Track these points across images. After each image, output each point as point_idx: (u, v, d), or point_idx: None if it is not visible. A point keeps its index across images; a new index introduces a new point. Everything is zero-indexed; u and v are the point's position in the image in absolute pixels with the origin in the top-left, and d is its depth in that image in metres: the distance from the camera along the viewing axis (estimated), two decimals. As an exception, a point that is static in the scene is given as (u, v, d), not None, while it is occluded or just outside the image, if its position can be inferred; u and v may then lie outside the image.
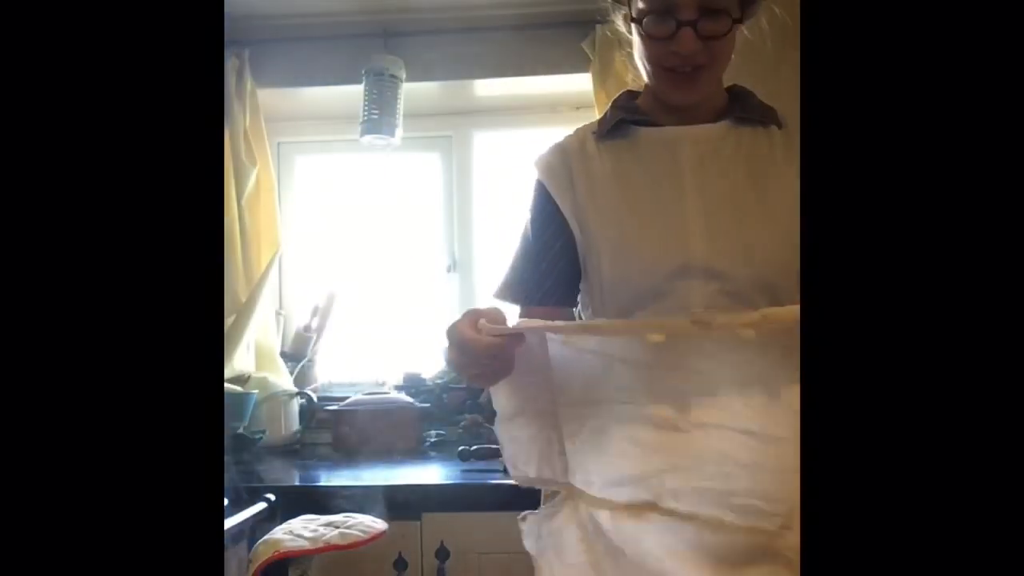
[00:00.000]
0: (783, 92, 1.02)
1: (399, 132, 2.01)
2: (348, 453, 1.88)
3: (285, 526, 1.25)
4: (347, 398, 1.99)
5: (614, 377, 0.84)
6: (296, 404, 2.02)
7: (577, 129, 1.05)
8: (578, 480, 0.86)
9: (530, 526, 0.91)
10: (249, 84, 2.05)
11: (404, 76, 2.01)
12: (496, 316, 0.81)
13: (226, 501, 1.25)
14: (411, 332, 2.23)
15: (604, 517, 0.82)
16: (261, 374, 2.00)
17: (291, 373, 2.07)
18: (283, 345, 2.15)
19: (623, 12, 0.99)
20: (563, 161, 1.00)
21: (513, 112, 2.24)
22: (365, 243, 2.30)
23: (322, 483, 1.59)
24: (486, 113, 2.26)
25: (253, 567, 1.18)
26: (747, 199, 0.93)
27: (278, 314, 2.18)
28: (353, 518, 1.29)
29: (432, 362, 2.11)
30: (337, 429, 1.94)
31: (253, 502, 1.36)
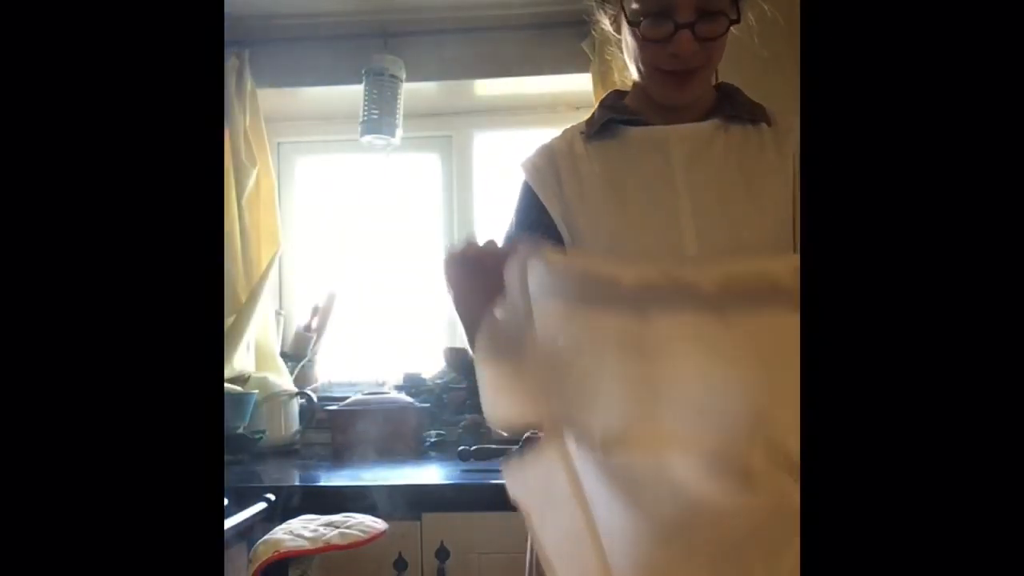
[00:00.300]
0: (773, 89, 1.02)
1: (399, 132, 2.01)
2: (348, 453, 1.88)
3: (285, 526, 1.25)
4: (347, 398, 1.99)
5: (598, 319, 0.82)
6: (296, 404, 2.02)
7: (565, 130, 1.04)
8: (563, 422, 0.84)
9: (514, 471, 0.87)
10: (249, 84, 2.05)
11: (404, 76, 2.01)
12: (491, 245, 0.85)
13: (226, 501, 1.25)
14: (411, 332, 2.23)
15: (593, 457, 0.81)
16: (261, 374, 2.00)
17: (291, 373, 2.07)
18: (283, 345, 2.15)
19: (610, 13, 0.98)
20: (550, 162, 1.00)
21: (513, 112, 2.24)
22: (365, 243, 2.30)
23: (322, 483, 1.59)
24: (486, 113, 2.26)
25: (253, 567, 1.18)
26: (738, 198, 0.92)
27: (278, 314, 2.18)
28: (353, 518, 1.29)
29: (432, 362, 2.11)
30: (337, 429, 1.94)
31: (253, 502, 1.36)
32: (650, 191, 0.94)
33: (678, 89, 0.95)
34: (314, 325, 2.15)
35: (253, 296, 2.01)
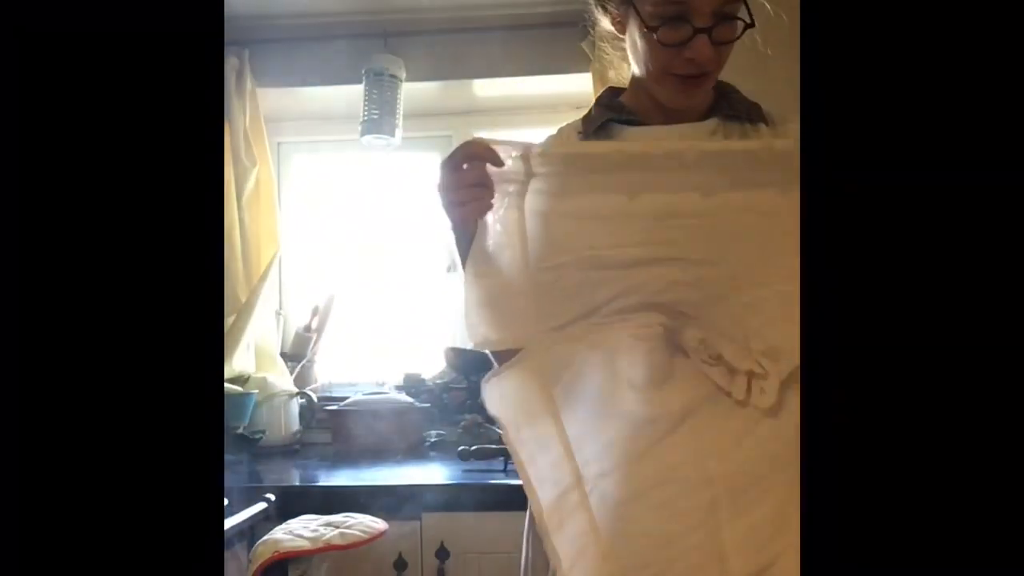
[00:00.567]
0: (771, 87, 1.01)
1: (399, 132, 2.01)
2: (348, 453, 1.88)
3: (285, 526, 1.26)
4: (347, 398, 1.99)
5: (587, 235, 0.84)
6: (296, 404, 2.02)
7: (560, 128, 1.03)
8: (543, 329, 0.86)
9: (492, 387, 0.88)
10: (249, 84, 2.05)
11: (404, 76, 2.01)
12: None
13: (226, 501, 1.25)
14: (411, 332, 2.23)
15: (572, 352, 0.84)
16: (261, 374, 1.99)
17: (291, 373, 2.07)
18: (283, 345, 2.15)
19: (613, 13, 0.96)
20: None
21: (513, 112, 2.24)
22: (365, 243, 2.29)
23: (322, 483, 1.59)
24: (486, 113, 2.26)
25: (253, 567, 1.18)
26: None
27: (278, 314, 2.18)
28: (353, 518, 1.29)
29: (432, 362, 2.11)
30: (337, 429, 1.94)
31: (253, 502, 1.36)
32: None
33: (688, 93, 0.94)
34: (314, 325, 2.15)
35: (253, 296, 2.01)
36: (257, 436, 1.89)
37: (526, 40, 2.02)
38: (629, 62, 1.01)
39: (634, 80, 1.00)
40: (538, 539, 0.95)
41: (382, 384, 2.12)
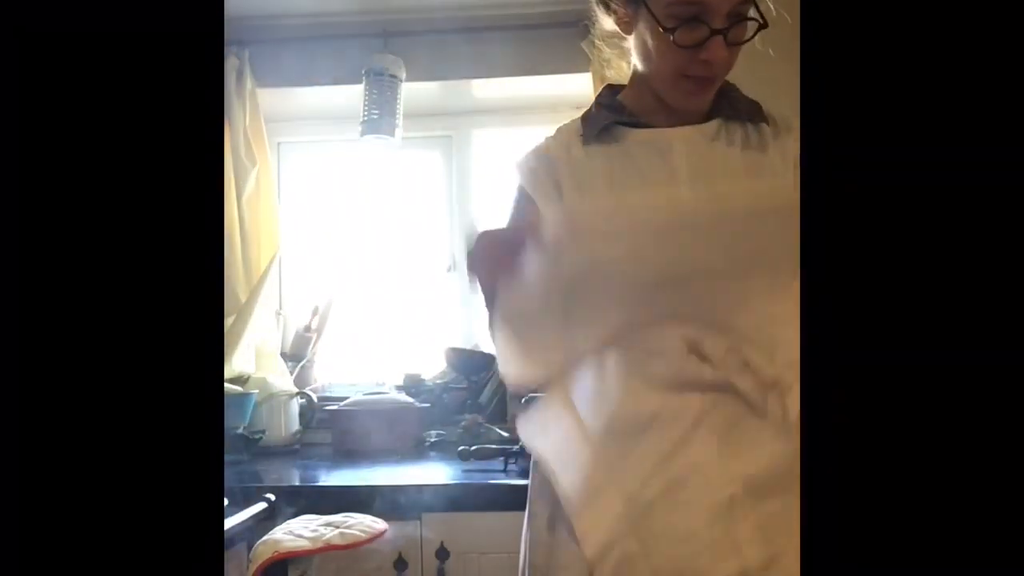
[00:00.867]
0: (772, 86, 1.01)
1: (399, 132, 2.01)
2: (348, 453, 1.88)
3: (285, 526, 1.25)
4: (347, 398, 1.99)
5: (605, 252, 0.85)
6: (296, 404, 2.02)
7: (558, 129, 1.02)
8: (570, 371, 0.89)
9: (525, 422, 0.92)
10: (249, 84, 2.05)
11: (404, 76, 2.01)
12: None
13: (226, 501, 1.25)
14: (411, 333, 2.23)
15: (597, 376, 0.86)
16: (261, 374, 1.99)
17: (291, 373, 2.06)
18: (283, 345, 2.15)
19: (618, 12, 0.95)
20: (548, 168, 0.97)
21: (513, 112, 2.24)
22: (365, 243, 2.29)
23: (322, 483, 1.59)
24: (486, 113, 2.26)
25: (253, 567, 1.18)
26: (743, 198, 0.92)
27: (278, 314, 2.18)
28: (353, 518, 1.29)
29: (432, 362, 2.11)
30: (337, 429, 1.94)
31: (253, 502, 1.36)
32: (654, 196, 0.93)
33: (698, 95, 0.94)
34: (314, 325, 2.15)
35: (253, 296, 2.01)
36: (257, 436, 1.89)
37: (526, 40, 2.02)
38: (627, 60, 1.00)
39: (637, 79, 0.99)
40: (536, 540, 0.95)
41: (382, 384, 2.12)
